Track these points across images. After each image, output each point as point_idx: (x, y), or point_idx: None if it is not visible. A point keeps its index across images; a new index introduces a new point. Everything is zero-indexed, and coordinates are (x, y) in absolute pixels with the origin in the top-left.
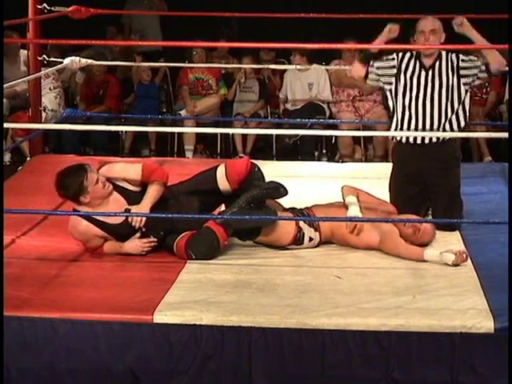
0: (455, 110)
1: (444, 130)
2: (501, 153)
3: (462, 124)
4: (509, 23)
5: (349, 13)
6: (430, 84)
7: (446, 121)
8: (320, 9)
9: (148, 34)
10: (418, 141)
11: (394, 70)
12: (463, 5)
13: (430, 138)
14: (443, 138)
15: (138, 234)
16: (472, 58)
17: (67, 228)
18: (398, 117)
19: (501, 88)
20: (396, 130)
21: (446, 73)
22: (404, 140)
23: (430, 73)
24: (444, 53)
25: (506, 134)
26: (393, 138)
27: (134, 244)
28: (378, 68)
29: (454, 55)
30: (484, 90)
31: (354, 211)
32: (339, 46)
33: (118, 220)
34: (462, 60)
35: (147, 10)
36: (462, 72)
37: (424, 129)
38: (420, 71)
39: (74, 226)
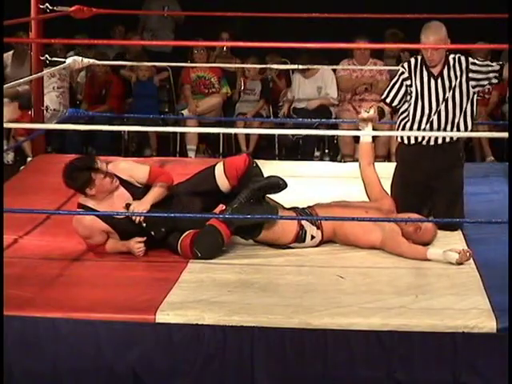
0: (463, 111)
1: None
2: (503, 153)
3: (469, 125)
4: (509, 23)
5: (352, 13)
6: (441, 92)
7: (453, 126)
8: (321, 9)
9: (160, 34)
10: (426, 141)
11: (409, 81)
12: (464, 5)
13: (443, 139)
14: (451, 139)
15: (136, 238)
16: (489, 63)
17: (70, 227)
18: (410, 119)
19: (503, 88)
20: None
21: (455, 77)
22: (413, 141)
23: (440, 81)
24: (451, 58)
25: (507, 134)
26: (397, 138)
27: (130, 247)
28: (397, 93)
29: (463, 58)
30: (487, 90)
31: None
32: (343, 45)
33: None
34: (473, 63)
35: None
36: (471, 75)
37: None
38: (429, 80)
39: (79, 220)
